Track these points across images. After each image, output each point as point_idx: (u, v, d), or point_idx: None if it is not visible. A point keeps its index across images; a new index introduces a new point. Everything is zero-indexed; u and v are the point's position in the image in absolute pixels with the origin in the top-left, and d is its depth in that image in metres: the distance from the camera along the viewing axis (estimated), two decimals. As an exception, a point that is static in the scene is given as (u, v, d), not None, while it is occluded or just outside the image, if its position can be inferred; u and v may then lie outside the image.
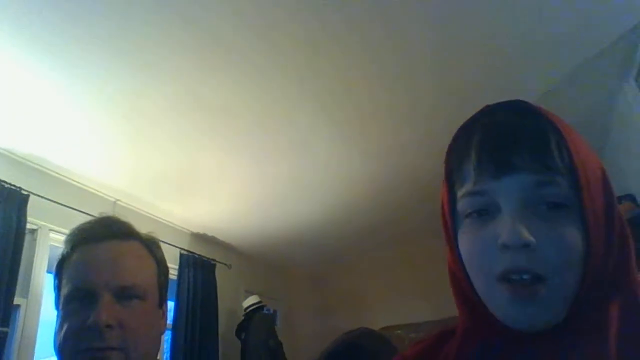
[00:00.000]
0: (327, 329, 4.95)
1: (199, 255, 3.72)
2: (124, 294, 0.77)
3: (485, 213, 0.50)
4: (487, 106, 0.56)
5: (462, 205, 0.52)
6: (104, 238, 0.81)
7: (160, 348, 0.89)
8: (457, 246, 0.53)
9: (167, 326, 3.14)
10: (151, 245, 0.88)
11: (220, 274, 3.92)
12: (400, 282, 4.88)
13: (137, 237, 0.86)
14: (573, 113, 2.36)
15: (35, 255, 2.57)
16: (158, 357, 0.87)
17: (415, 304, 4.71)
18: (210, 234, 3.98)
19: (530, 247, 0.45)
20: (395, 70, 2.30)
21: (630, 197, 2.46)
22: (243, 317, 3.93)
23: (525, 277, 0.46)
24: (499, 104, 0.55)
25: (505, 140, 0.50)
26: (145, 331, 0.80)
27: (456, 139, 0.56)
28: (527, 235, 0.45)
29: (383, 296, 4.92)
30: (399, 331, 4.47)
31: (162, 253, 0.90)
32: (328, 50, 2.12)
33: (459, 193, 0.53)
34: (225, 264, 4.11)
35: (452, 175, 0.55)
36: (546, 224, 0.46)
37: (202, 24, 1.91)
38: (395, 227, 4.44)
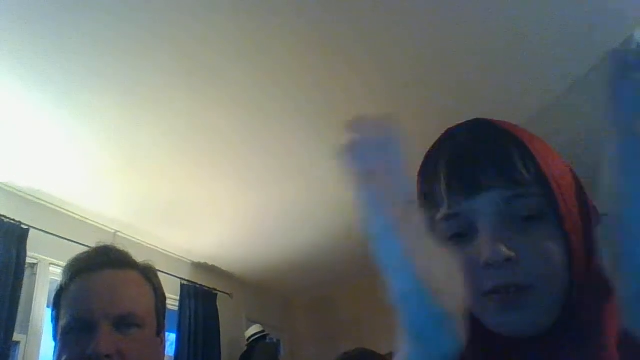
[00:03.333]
0: (332, 357, 4.87)
1: (199, 285, 3.69)
2: (123, 323, 0.77)
3: (464, 235, 0.50)
4: (449, 129, 0.58)
5: (440, 229, 0.53)
6: (102, 267, 0.82)
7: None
8: None
9: (169, 357, 3.09)
10: (148, 274, 0.88)
11: (221, 303, 3.88)
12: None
13: (135, 266, 0.87)
14: (564, 134, 2.38)
15: (35, 289, 2.55)
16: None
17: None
18: (210, 263, 3.96)
19: (513, 261, 0.46)
20: (381, 92, 2.34)
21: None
22: (246, 347, 3.88)
23: (510, 290, 0.46)
24: (459, 126, 0.57)
25: (470, 161, 0.51)
26: (145, 358, 0.80)
27: (425, 163, 0.57)
28: (506, 251, 0.46)
29: (388, 321, 4.82)
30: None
31: (159, 281, 0.90)
32: (316, 73, 2.16)
33: (437, 217, 0.53)
34: (227, 293, 4.07)
35: (425, 199, 0.55)
36: (524, 237, 0.47)
37: (196, 56, 1.95)
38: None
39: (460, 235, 0.50)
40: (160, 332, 0.87)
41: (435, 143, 0.57)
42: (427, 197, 0.54)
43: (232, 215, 3.23)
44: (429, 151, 0.57)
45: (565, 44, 2.23)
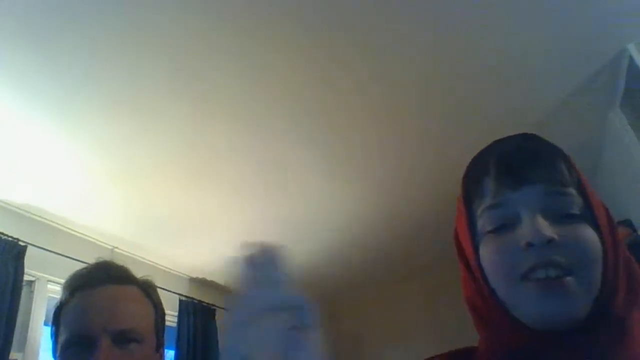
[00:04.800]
0: (332, 372, 4.83)
1: (198, 300, 3.67)
2: (122, 338, 0.77)
3: (505, 226, 0.52)
4: (497, 140, 0.61)
5: (482, 221, 0.55)
6: (101, 283, 0.82)
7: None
8: (479, 260, 0.54)
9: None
10: (148, 289, 0.89)
11: (220, 318, 3.86)
12: (407, 321, 4.80)
13: (134, 282, 0.87)
14: (563, 143, 2.40)
15: (33, 307, 2.53)
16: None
17: (422, 343, 4.62)
18: (209, 278, 3.93)
19: (554, 242, 0.48)
20: (382, 107, 2.36)
21: (627, 223, 2.46)
22: (245, 364, 3.84)
23: (550, 274, 0.47)
24: (508, 136, 0.60)
25: (521, 159, 0.54)
26: None
27: (472, 164, 0.60)
28: (550, 231, 0.48)
29: (389, 336, 4.82)
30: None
31: (159, 296, 0.91)
32: (313, 87, 2.17)
33: (479, 210, 0.55)
34: (226, 309, 4.04)
35: (469, 195, 0.57)
36: (564, 227, 0.49)
37: (193, 71, 1.97)
38: (398, 263, 4.41)
39: (502, 226, 0.52)
40: (159, 348, 0.88)
41: (484, 148, 0.61)
42: (472, 193, 0.57)
43: (229, 229, 3.22)
44: (477, 154, 0.61)
45: (559, 58, 2.26)
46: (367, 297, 5.03)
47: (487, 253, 0.53)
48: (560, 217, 0.50)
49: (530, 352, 0.49)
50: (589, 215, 0.51)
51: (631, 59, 2.26)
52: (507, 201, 0.52)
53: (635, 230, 2.44)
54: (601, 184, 2.94)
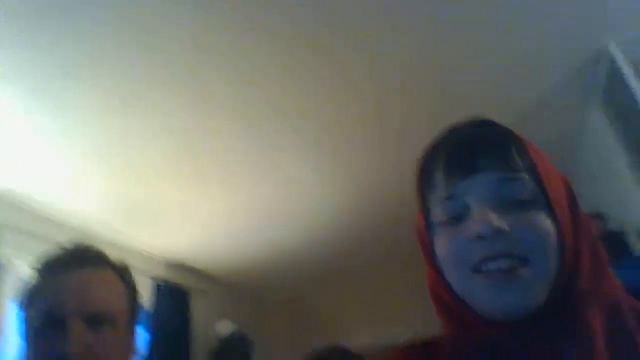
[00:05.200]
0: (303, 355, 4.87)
1: (173, 283, 3.64)
2: (95, 321, 0.76)
3: (457, 218, 0.52)
4: (450, 126, 0.60)
5: (435, 213, 0.55)
6: (75, 266, 0.80)
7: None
8: (434, 252, 0.55)
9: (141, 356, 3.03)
10: (123, 273, 0.87)
11: (195, 301, 3.84)
12: (382, 305, 4.86)
13: (109, 265, 0.86)
14: (542, 140, 2.43)
15: (1, 289, 2.48)
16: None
17: (397, 326, 4.67)
18: (185, 261, 3.90)
19: (505, 233, 0.47)
20: (366, 93, 2.35)
21: (599, 216, 2.51)
22: (219, 346, 3.84)
23: (502, 265, 0.47)
24: (461, 122, 0.59)
25: (469, 148, 0.53)
26: (116, 358, 0.79)
27: (424, 156, 0.59)
28: (499, 222, 0.47)
29: (364, 320, 4.88)
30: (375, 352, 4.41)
31: (134, 279, 0.89)
32: (296, 74, 2.16)
33: (432, 201, 0.55)
34: (201, 292, 4.03)
35: (423, 188, 0.57)
36: (516, 215, 0.48)
37: (172, 57, 1.94)
38: (375, 249, 4.44)
39: (453, 217, 0.52)
40: (133, 331, 0.86)
41: (436, 136, 0.60)
42: (425, 185, 0.57)
43: (207, 213, 3.20)
44: (430, 146, 0.60)
45: (542, 53, 2.28)
46: (345, 280, 5.06)
47: (440, 245, 0.53)
48: (511, 205, 0.49)
49: (490, 341, 0.49)
50: (543, 200, 0.50)
51: (612, 57, 2.29)
52: (456, 192, 0.52)
53: (605, 223, 2.50)
54: (578, 181, 2.99)
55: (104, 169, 2.56)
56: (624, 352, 0.45)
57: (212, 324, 4.07)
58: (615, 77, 2.34)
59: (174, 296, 3.58)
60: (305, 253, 4.22)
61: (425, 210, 0.57)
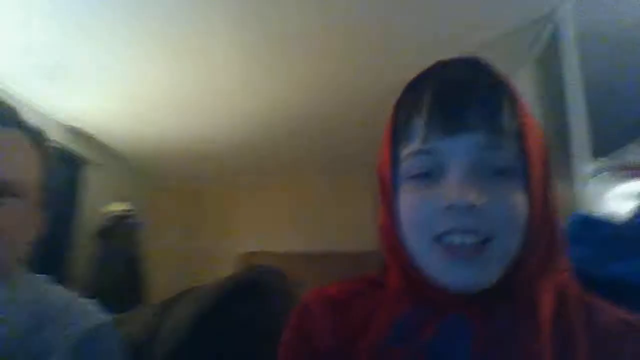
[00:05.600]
0: (192, 248, 4.93)
1: (70, 150, 3.38)
2: None
3: (430, 175, 0.48)
4: (440, 61, 0.54)
5: (406, 165, 0.50)
6: None
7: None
8: (395, 206, 0.51)
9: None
10: (37, 137, 0.76)
11: (91, 174, 3.64)
12: (274, 211, 4.97)
13: (20, 125, 0.73)
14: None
15: None
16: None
17: (286, 234, 4.85)
18: (87, 129, 3.62)
19: (477, 208, 0.45)
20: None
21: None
22: (108, 223, 3.72)
23: (467, 241, 0.45)
24: (452, 60, 0.53)
25: (459, 96, 0.48)
26: (19, 234, 0.70)
27: (405, 93, 0.53)
28: (474, 196, 0.44)
29: (255, 222, 4.98)
30: (261, 259, 4.57)
31: (50, 147, 0.79)
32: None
33: (405, 152, 0.50)
34: (98, 165, 3.81)
35: (397, 133, 0.52)
36: (492, 188, 0.46)
37: None
38: (280, 156, 4.46)
39: (425, 175, 0.48)
40: (42, 206, 0.78)
41: (421, 73, 0.53)
42: (400, 130, 0.51)
43: (120, 83, 2.95)
44: (413, 79, 0.53)
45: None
46: (243, 182, 5.07)
47: (405, 203, 0.50)
48: (490, 173, 0.46)
49: (437, 306, 0.49)
50: (522, 170, 0.48)
51: (559, 21, 2.35)
52: (435, 149, 0.47)
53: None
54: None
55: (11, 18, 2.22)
56: (565, 338, 0.45)
57: (104, 199, 3.91)
58: (556, 41, 2.41)
59: (69, 164, 3.35)
60: (215, 144, 4.12)
61: (393, 154, 0.52)
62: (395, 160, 0.52)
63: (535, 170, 0.48)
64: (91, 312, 0.75)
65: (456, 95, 0.48)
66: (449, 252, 0.46)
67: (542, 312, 0.46)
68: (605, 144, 2.32)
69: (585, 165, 2.17)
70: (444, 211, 0.46)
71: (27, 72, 2.77)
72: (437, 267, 0.47)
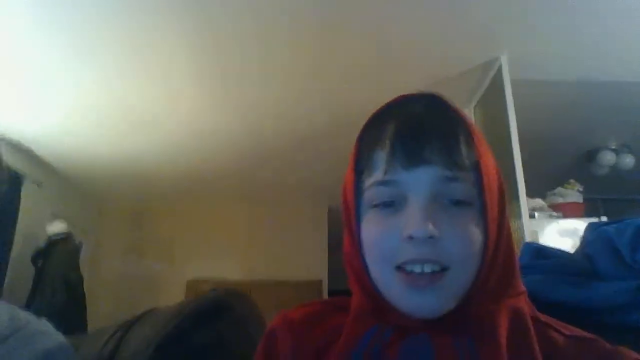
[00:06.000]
0: (135, 272, 4.75)
1: (5, 164, 3.19)
2: None
3: (391, 205, 0.50)
4: (402, 96, 0.56)
5: (369, 194, 0.52)
6: None
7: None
8: (359, 234, 0.53)
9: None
10: None
11: (27, 191, 3.45)
12: (217, 238, 4.91)
13: None
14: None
15: None
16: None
17: (227, 261, 4.79)
18: (25, 144, 3.45)
19: (435, 239, 0.47)
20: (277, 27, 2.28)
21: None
22: (44, 244, 3.54)
23: (426, 269, 0.47)
24: (413, 96, 0.56)
25: (419, 133, 0.50)
26: None
27: (368, 126, 0.55)
28: (432, 228, 0.47)
29: (197, 248, 4.89)
30: (207, 286, 4.48)
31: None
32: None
33: (367, 182, 0.52)
34: (36, 182, 3.63)
35: (359, 163, 0.54)
36: (450, 219, 0.48)
37: None
38: (226, 184, 4.43)
39: (387, 204, 0.51)
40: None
41: (383, 107, 0.56)
42: (364, 161, 0.53)
43: (68, 96, 2.84)
44: (375, 114, 0.56)
45: (442, 46, 2.43)
46: (188, 204, 4.98)
47: (368, 231, 0.52)
48: (449, 203, 0.49)
49: (395, 330, 0.51)
50: (479, 201, 0.50)
51: (500, 68, 2.53)
52: (397, 181, 0.50)
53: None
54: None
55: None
56: (522, 355, 0.48)
57: (41, 219, 3.71)
58: (496, 86, 2.60)
59: (5, 180, 3.15)
60: (161, 168, 4.04)
61: (357, 183, 0.54)
62: (358, 189, 0.54)
63: (491, 200, 0.51)
64: (47, 333, 0.72)
65: (417, 130, 0.51)
66: (409, 280, 0.48)
67: (500, 331, 0.49)
68: (537, 186, 2.51)
69: (521, 204, 2.31)
70: (404, 241, 0.48)
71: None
72: (398, 294, 0.49)
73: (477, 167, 0.50)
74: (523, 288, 0.55)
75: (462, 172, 0.49)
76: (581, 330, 0.54)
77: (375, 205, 0.51)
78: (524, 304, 0.53)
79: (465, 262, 0.49)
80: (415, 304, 0.48)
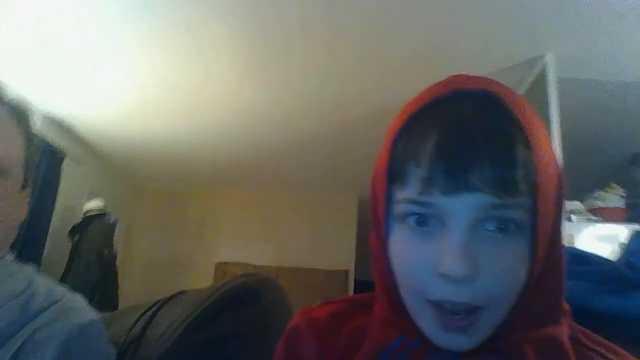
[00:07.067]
0: (166, 252, 4.86)
1: (47, 141, 3.32)
2: None
3: (425, 223, 0.45)
4: (450, 87, 0.47)
5: (400, 208, 0.46)
6: None
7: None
8: (387, 246, 0.48)
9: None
10: (21, 115, 0.74)
11: (67, 168, 3.56)
12: (248, 222, 4.97)
13: (5, 103, 0.72)
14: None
15: None
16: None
17: (256, 246, 4.84)
18: (67, 121, 3.55)
19: (472, 278, 0.42)
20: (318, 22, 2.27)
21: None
22: (81, 219, 3.66)
23: (458, 309, 0.43)
24: (463, 91, 0.46)
25: (465, 151, 0.42)
26: (6, 215, 0.69)
27: (405, 128, 0.47)
28: (469, 269, 0.41)
29: (228, 232, 4.96)
30: (235, 269, 4.56)
31: (34, 125, 0.77)
32: None
33: (399, 194, 0.46)
34: (76, 159, 3.74)
35: (392, 170, 0.47)
36: (492, 252, 0.42)
37: None
38: (262, 168, 4.46)
39: (420, 223, 0.45)
40: (26, 187, 0.76)
41: (426, 100, 0.47)
42: (395, 168, 0.46)
43: (111, 79, 2.91)
44: (415, 109, 0.46)
45: (483, 47, 2.37)
46: (224, 189, 5.05)
47: (399, 252, 0.47)
48: (494, 229, 0.43)
49: (424, 341, 0.47)
50: (530, 228, 0.43)
51: (545, 66, 2.45)
52: (433, 204, 0.43)
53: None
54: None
55: None
56: None
57: (79, 196, 3.83)
58: (539, 86, 2.51)
59: (46, 155, 3.27)
60: (199, 150, 4.09)
61: (387, 190, 0.47)
62: (389, 196, 0.48)
63: (545, 227, 0.44)
64: (81, 308, 0.74)
65: (462, 147, 0.42)
66: (441, 316, 0.44)
67: (529, 357, 0.44)
68: (576, 189, 2.42)
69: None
70: (438, 276, 0.43)
71: (13, 58, 2.71)
72: (428, 326, 0.46)
73: (534, 190, 0.42)
74: (566, 307, 0.50)
75: (514, 199, 0.41)
76: (631, 356, 0.49)
77: (406, 219, 0.46)
78: (564, 329, 0.48)
79: (503, 302, 0.44)
80: (445, 340, 0.45)
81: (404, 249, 0.46)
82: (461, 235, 0.42)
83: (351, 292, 4.45)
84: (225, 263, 4.69)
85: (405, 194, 0.45)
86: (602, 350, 0.49)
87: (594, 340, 0.50)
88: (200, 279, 4.48)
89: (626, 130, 3.06)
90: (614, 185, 2.62)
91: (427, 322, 0.45)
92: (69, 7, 2.26)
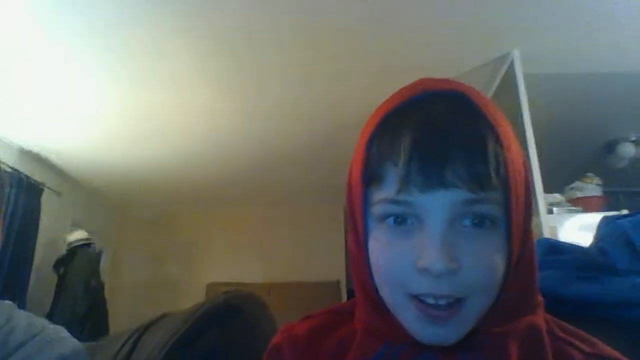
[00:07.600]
0: (155, 277, 4.81)
1: (25, 175, 3.28)
2: None
3: (403, 222, 0.45)
4: (421, 88, 0.48)
5: (378, 209, 0.46)
6: None
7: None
8: (366, 246, 0.48)
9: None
10: None
11: (47, 200, 3.52)
12: (235, 241, 4.95)
13: None
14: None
15: None
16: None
17: (246, 264, 4.82)
18: (44, 153, 3.51)
19: (453, 271, 0.42)
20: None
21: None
22: (65, 251, 3.60)
23: (441, 302, 0.43)
24: (434, 92, 0.48)
25: (440, 149, 0.43)
26: None
27: (380, 128, 0.47)
28: (450, 263, 0.42)
29: (216, 252, 4.94)
30: (225, 290, 4.52)
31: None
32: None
33: (376, 196, 0.46)
34: (55, 191, 3.69)
35: (368, 172, 0.47)
36: (470, 245, 0.43)
37: None
38: (243, 187, 4.46)
39: (398, 222, 0.45)
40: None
41: (398, 101, 0.48)
42: (371, 170, 0.47)
43: (84, 107, 2.89)
44: (389, 110, 0.47)
45: (452, 45, 2.42)
46: (209, 210, 5.03)
47: (377, 254, 0.47)
48: (470, 225, 0.44)
49: (407, 350, 0.48)
50: (504, 220, 0.45)
51: (512, 63, 2.50)
52: (411, 202, 0.44)
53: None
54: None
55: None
56: None
57: (62, 227, 3.78)
58: (507, 82, 2.57)
59: (24, 189, 3.23)
60: (180, 175, 4.08)
61: (365, 192, 0.48)
62: (366, 199, 0.48)
63: (516, 217, 0.45)
64: (63, 339, 0.73)
65: (437, 146, 0.43)
66: (423, 309, 0.44)
67: (512, 350, 0.46)
68: (554, 181, 2.47)
69: (539, 199, 2.27)
70: (419, 272, 0.43)
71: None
72: (410, 321, 0.46)
73: (505, 185, 0.44)
74: (540, 299, 0.51)
75: (488, 193, 0.43)
76: (605, 346, 0.50)
77: (384, 220, 0.46)
78: (541, 319, 0.49)
79: (485, 292, 0.44)
80: (429, 334, 0.45)
81: (384, 247, 0.46)
82: (439, 230, 0.43)
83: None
84: (216, 284, 4.66)
85: (383, 194, 0.45)
86: (577, 342, 0.50)
87: (569, 332, 0.51)
88: (192, 301, 4.34)
89: (597, 120, 3.14)
90: (590, 174, 2.67)
91: (410, 316, 0.45)
92: (37, 38, 2.25)
